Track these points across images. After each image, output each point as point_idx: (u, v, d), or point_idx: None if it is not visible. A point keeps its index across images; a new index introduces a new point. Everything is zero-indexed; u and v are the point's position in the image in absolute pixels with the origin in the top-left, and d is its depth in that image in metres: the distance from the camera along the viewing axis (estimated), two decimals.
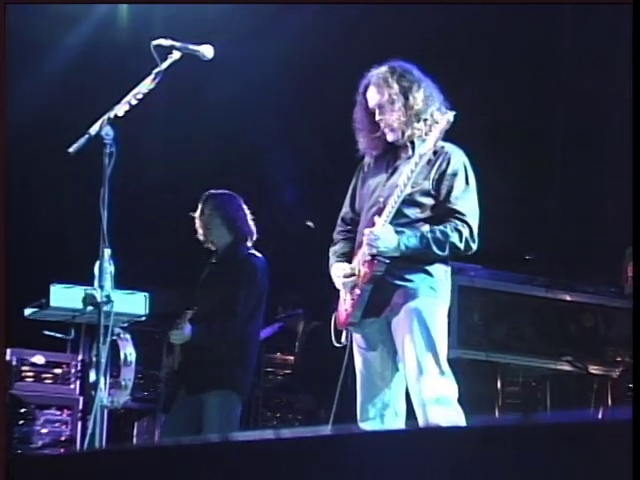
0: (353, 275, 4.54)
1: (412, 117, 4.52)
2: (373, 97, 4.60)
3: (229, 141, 9.14)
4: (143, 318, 6.08)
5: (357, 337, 4.59)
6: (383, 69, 4.61)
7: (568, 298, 7.12)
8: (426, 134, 4.45)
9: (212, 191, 6.14)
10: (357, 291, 4.51)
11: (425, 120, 4.49)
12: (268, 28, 8.30)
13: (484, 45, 8.33)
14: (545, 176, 9.03)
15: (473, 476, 1.89)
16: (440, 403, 4.28)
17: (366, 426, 4.43)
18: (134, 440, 7.01)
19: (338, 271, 4.62)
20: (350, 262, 4.63)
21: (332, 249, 4.78)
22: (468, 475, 1.87)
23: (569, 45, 8.81)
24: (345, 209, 4.82)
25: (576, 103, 8.92)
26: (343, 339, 4.60)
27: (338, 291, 4.68)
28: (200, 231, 6.06)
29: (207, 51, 4.66)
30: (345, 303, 4.59)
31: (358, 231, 4.64)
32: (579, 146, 8.87)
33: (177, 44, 4.58)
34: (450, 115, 4.38)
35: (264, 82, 8.54)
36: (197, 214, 6.09)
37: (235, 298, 5.87)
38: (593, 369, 7.00)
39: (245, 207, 6.09)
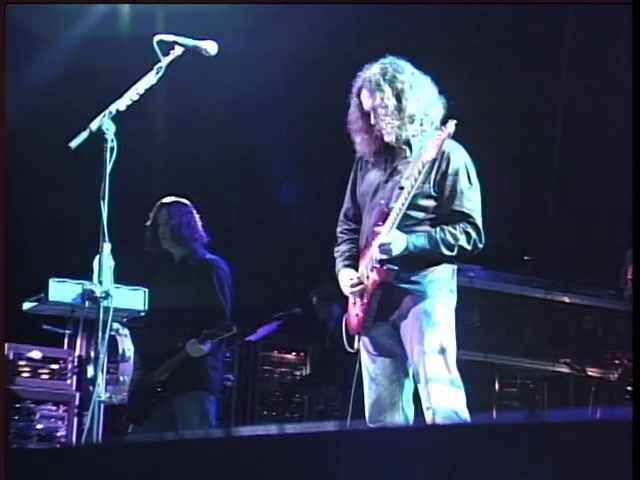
0: (361, 284, 4.49)
1: (406, 119, 4.46)
2: (366, 100, 4.54)
3: (230, 137, 9.13)
4: (142, 314, 6.06)
5: (365, 340, 4.54)
6: (375, 70, 4.54)
7: (567, 300, 7.12)
8: (421, 133, 4.46)
9: (163, 200, 6.20)
10: (366, 298, 4.46)
11: (421, 120, 4.47)
12: (271, 25, 8.29)
13: (483, 42, 8.32)
14: (544, 176, 9.02)
15: (473, 473, 1.89)
16: (447, 409, 4.25)
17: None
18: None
19: (345, 280, 4.57)
20: (356, 264, 4.57)
21: (337, 248, 4.73)
22: (469, 472, 1.87)
23: (569, 43, 8.80)
24: (347, 205, 4.76)
25: (576, 101, 8.91)
26: (356, 344, 4.54)
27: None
28: (152, 241, 6.14)
29: (210, 47, 4.64)
30: (355, 307, 4.53)
31: (362, 231, 4.60)
32: (578, 146, 8.86)
33: (179, 39, 4.55)
34: (451, 126, 4.32)
35: (267, 79, 8.52)
36: (149, 223, 6.14)
37: (216, 298, 5.92)
38: (591, 371, 7.00)
39: (195, 213, 6.20)
